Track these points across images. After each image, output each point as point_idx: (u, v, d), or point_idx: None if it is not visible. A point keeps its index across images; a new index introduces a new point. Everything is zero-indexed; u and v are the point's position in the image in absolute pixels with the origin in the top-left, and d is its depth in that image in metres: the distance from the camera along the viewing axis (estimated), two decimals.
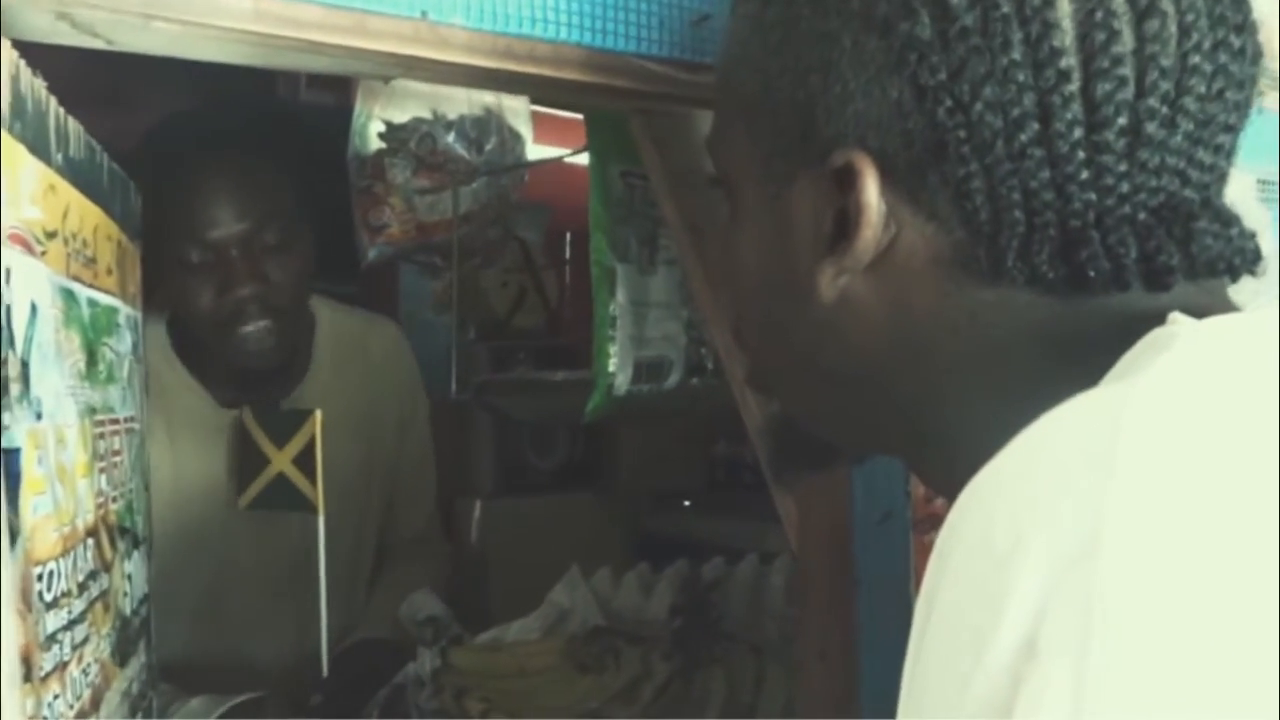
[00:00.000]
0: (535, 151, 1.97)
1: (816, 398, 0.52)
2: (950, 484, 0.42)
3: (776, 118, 0.49)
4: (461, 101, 1.78)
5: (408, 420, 1.48)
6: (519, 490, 2.44)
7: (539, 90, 0.84)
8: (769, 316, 0.52)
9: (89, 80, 0.83)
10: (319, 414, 1.16)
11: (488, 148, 1.80)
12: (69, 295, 0.66)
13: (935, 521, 0.76)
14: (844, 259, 0.46)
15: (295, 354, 1.34)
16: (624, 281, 0.93)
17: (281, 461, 1.19)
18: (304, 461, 1.17)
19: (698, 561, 1.32)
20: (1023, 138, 0.42)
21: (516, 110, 1.84)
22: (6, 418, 0.52)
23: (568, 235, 2.75)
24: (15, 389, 0.54)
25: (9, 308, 0.53)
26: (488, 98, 1.80)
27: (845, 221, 0.46)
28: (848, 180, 0.45)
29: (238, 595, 1.29)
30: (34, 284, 0.58)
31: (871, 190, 0.45)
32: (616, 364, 0.93)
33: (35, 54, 0.58)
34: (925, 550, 0.75)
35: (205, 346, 1.25)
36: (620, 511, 2.62)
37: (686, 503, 2.66)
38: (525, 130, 1.86)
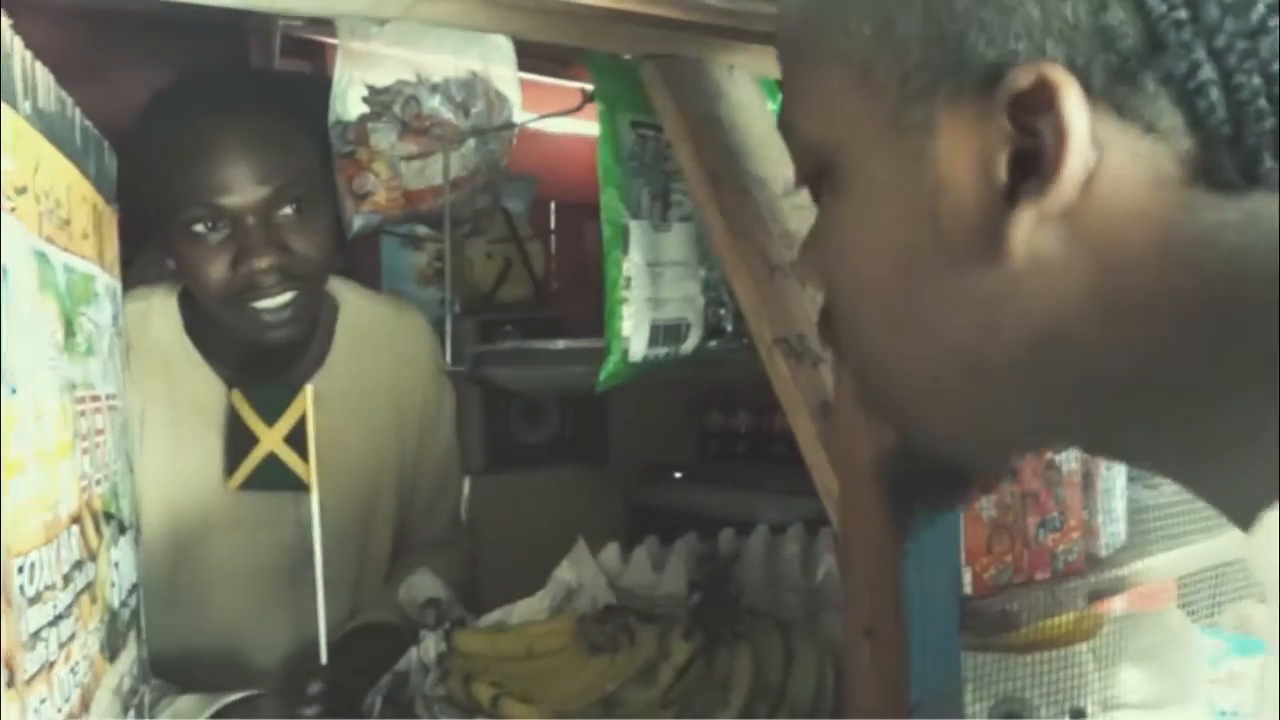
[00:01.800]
0: (523, 118, 1.91)
1: (969, 406, 0.43)
2: (1212, 473, 0.36)
3: (905, 57, 0.40)
4: (446, 64, 1.71)
5: (432, 416, 1.39)
6: (508, 465, 2.40)
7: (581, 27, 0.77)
8: (909, 306, 0.42)
9: (64, 52, 0.77)
10: (310, 389, 1.10)
11: (474, 111, 1.73)
12: (43, 259, 0.60)
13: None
14: (1044, 202, 0.37)
15: (315, 336, 1.27)
16: (637, 239, 0.88)
17: (272, 440, 1.13)
18: (295, 439, 1.12)
19: (705, 534, 1.27)
20: (1259, 7, 0.35)
21: (503, 74, 1.77)
22: None
23: (552, 206, 2.70)
24: None
25: None
26: (473, 61, 1.73)
27: (1027, 160, 0.38)
28: (1036, 103, 0.37)
29: (240, 584, 1.22)
30: (4, 243, 0.52)
31: (1075, 106, 0.37)
32: (631, 327, 0.87)
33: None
34: (974, 519, 0.70)
35: (219, 324, 1.17)
36: (611, 484, 2.58)
37: (678, 474, 2.62)
38: (513, 94, 1.79)
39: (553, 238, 2.71)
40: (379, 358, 1.32)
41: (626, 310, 0.87)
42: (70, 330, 0.66)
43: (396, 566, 1.37)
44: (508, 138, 1.80)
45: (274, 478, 1.13)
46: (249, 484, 1.15)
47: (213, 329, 1.20)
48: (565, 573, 1.21)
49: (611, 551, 1.25)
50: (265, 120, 1.12)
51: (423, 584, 1.21)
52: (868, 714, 0.68)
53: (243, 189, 1.09)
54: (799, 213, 0.89)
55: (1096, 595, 0.75)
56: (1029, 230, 0.38)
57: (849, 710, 0.70)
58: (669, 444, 2.61)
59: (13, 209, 0.55)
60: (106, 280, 0.80)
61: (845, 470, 0.69)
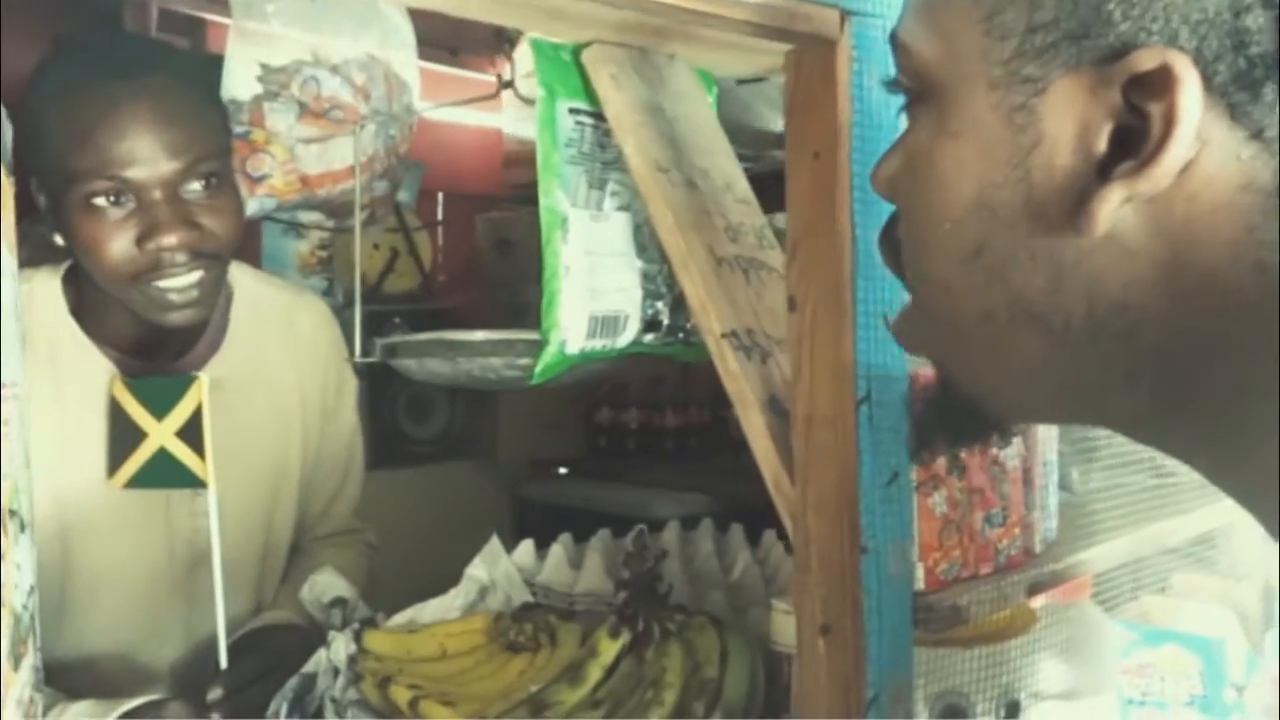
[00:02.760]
0: (427, 105, 1.85)
1: (1015, 356, 0.44)
2: (1251, 475, 0.36)
3: (1037, 10, 0.41)
4: (345, 46, 1.66)
5: (334, 403, 1.34)
6: (396, 461, 2.35)
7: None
8: (979, 249, 0.43)
9: None
10: (204, 378, 1.03)
11: (375, 95, 1.68)
12: None
13: (936, 483, 0.71)
14: (1136, 184, 0.38)
15: (209, 321, 1.19)
16: (576, 228, 0.85)
17: (162, 434, 1.06)
18: (188, 433, 1.05)
19: (590, 530, 1.25)
20: None
21: (403, 59, 1.72)
22: None
23: (440, 195, 2.64)
24: None
25: None
26: (372, 45, 1.68)
27: (1128, 138, 0.39)
28: (1153, 88, 0.38)
29: (131, 585, 1.14)
30: None
31: (1192, 99, 0.37)
32: (569, 318, 0.85)
33: None
34: (927, 514, 0.71)
35: (110, 306, 1.09)
36: (499, 479, 2.55)
37: (563, 470, 2.60)
38: (412, 80, 1.75)
39: (440, 229, 2.66)
40: (277, 343, 1.26)
41: (563, 300, 0.85)
42: None
43: (296, 562, 1.31)
44: (408, 124, 1.75)
45: (165, 474, 1.07)
46: (137, 481, 1.08)
47: (102, 311, 1.12)
48: (478, 570, 1.18)
49: (526, 549, 1.22)
50: (172, 91, 1.05)
51: (328, 583, 1.16)
52: (822, 711, 0.67)
53: (151, 161, 1.02)
54: (741, 207, 0.88)
55: (1035, 588, 0.76)
56: (1114, 207, 0.39)
57: (801, 708, 0.69)
58: (559, 439, 2.59)
59: None
60: (8, 259, 0.73)
61: (804, 465, 0.68)
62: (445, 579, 1.20)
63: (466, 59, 2.33)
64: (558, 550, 1.19)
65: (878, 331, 0.66)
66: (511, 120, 2.56)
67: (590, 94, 0.87)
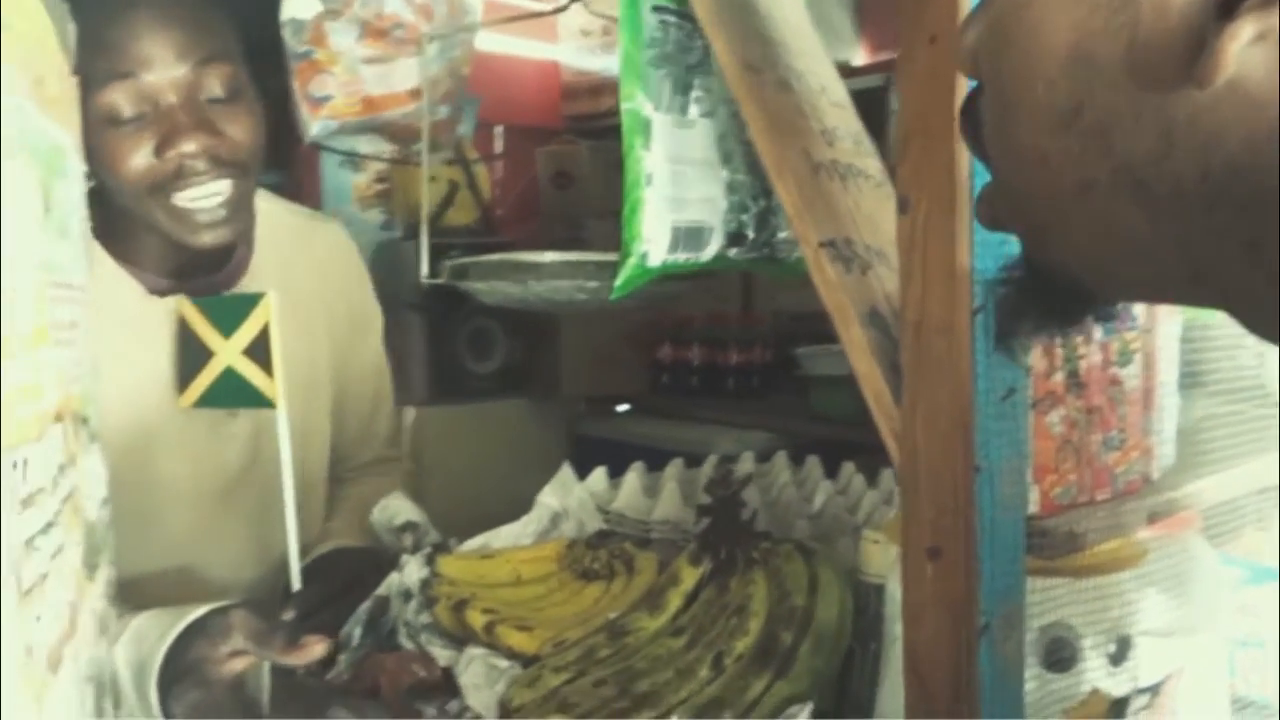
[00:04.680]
0: (482, 36, 1.81)
1: (1119, 228, 0.39)
2: None
3: None
4: None
5: (358, 328, 1.31)
6: (455, 396, 2.33)
7: None
8: (1078, 110, 0.38)
9: None
10: (271, 297, 1.00)
11: (437, 14, 1.64)
12: (21, 111, 0.51)
13: (1054, 401, 0.67)
14: (1269, 15, 0.33)
15: (235, 244, 1.16)
16: (660, 133, 0.81)
17: (230, 354, 1.04)
18: (256, 352, 1.03)
19: (655, 467, 1.22)
20: None
21: None
22: None
23: (499, 128, 2.60)
24: None
25: None
26: None
27: None
28: None
29: (178, 506, 1.12)
30: None
31: None
32: (652, 229, 0.81)
33: None
34: (1043, 434, 0.66)
35: (137, 228, 1.06)
36: (559, 416, 2.53)
37: (625, 407, 2.57)
38: (474, 1, 1.70)
39: (499, 162, 2.62)
40: (299, 266, 1.23)
41: (647, 210, 0.80)
42: (48, 204, 0.58)
43: (337, 494, 1.30)
44: (469, 47, 1.71)
45: (233, 393, 1.04)
46: (205, 400, 1.06)
47: (127, 234, 1.08)
48: (550, 498, 1.15)
49: (599, 477, 1.19)
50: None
51: (398, 507, 1.14)
52: (930, 639, 0.64)
53: (165, 64, 0.98)
54: (837, 111, 0.83)
55: (1153, 518, 0.72)
56: (1243, 46, 0.33)
57: (907, 634, 0.65)
58: (620, 376, 2.56)
59: None
60: (74, 159, 0.70)
61: (914, 377, 0.64)
62: (505, 514, 1.17)
63: None
64: (632, 478, 1.16)
65: (995, 234, 0.61)
66: (569, 52, 2.51)
67: None
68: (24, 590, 0.44)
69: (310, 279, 1.24)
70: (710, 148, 0.85)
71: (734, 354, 2.46)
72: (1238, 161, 0.35)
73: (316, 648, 0.82)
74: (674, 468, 1.16)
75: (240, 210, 1.06)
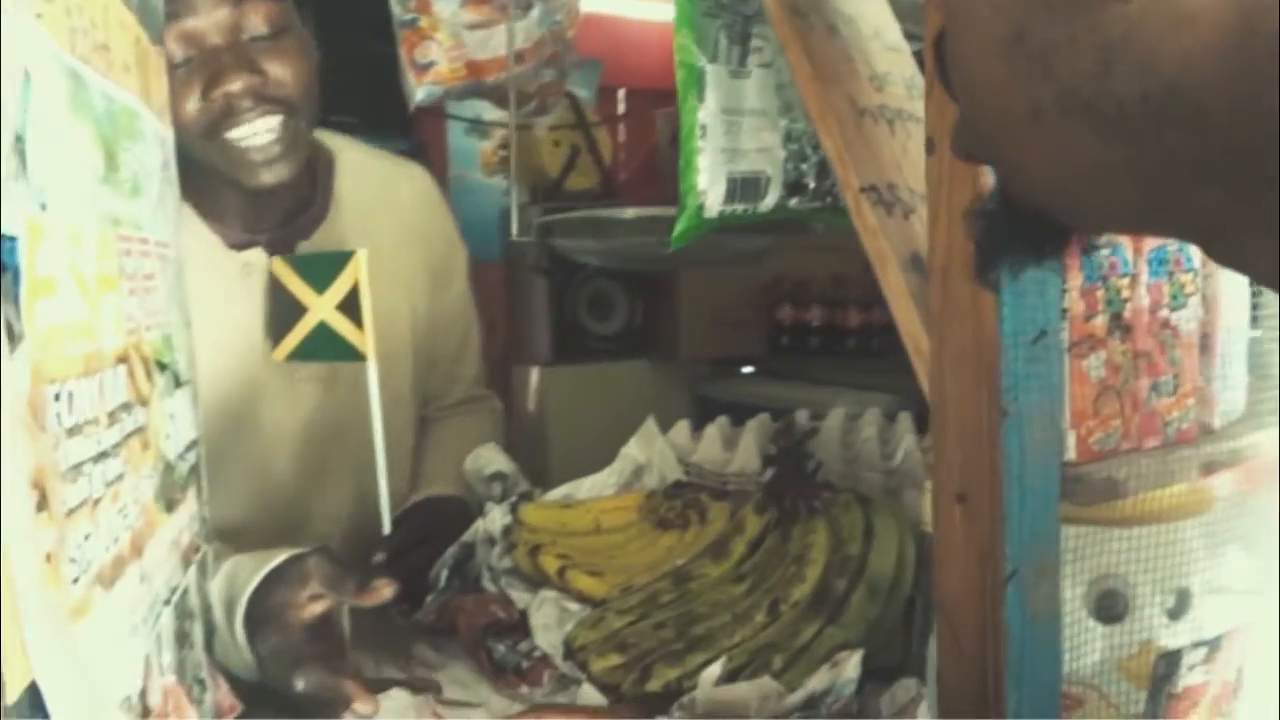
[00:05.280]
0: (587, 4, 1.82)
1: (1073, 153, 0.38)
2: None
3: None
4: None
5: (442, 274, 1.33)
6: (576, 357, 2.37)
7: None
8: (1020, 35, 0.38)
9: None
10: (362, 254, 1.05)
11: None
12: (76, 78, 0.56)
13: (1092, 344, 0.65)
14: None
15: (315, 192, 1.21)
16: (714, 84, 0.81)
17: (323, 308, 1.09)
18: (348, 307, 1.08)
19: (788, 415, 1.22)
20: None
21: None
22: None
23: (620, 92, 2.61)
24: (9, 163, 0.44)
25: None
26: None
27: None
28: None
29: (280, 455, 1.19)
30: (27, 47, 0.48)
31: None
32: (706, 180, 0.82)
33: None
34: (1081, 378, 0.64)
35: (210, 179, 1.09)
36: (680, 378, 2.55)
37: (748, 369, 2.57)
38: None
39: (621, 126, 2.64)
40: (382, 213, 1.26)
41: (701, 161, 0.81)
42: (113, 163, 0.63)
43: (428, 433, 1.34)
44: (573, 10, 1.73)
45: (325, 347, 1.09)
46: (298, 354, 1.11)
47: (204, 186, 1.11)
48: (633, 449, 1.18)
49: (681, 429, 1.21)
50: None
51: (489, 457, 1.19)
52: (959, 584, 0.63)
53: (206, 6, 1.01)
54: (891, 55, 0.81)
55: (1210, 467, 0.69)
56: None
57: (937, 580, 0.65)
58: (740, 338, 2.55)
59: (39, 15, 0.51)
60: (154, 124, 0.76)
61: (941, 320, 0.63)
62: None
63: None
64: (712, 431, 1.17)
65: None
66: None
67: None
68: (68, 509, 0.48)
69: (393, 225, 1.27)
70: (769, 97, 0.85)
71: (854, 315, 2.43)
72: (1174, 80, 0.34)
73: (385, 590, 0.86)
74: (756, 422, 1.17)
75: (295, 147, 1.09)
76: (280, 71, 1.05)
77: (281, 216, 1.17)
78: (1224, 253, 0.38)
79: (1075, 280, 0.63)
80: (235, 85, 1.02)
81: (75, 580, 0.49)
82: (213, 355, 1.12)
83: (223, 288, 1.13)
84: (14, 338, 0.43)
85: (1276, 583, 0.71)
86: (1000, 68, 0.39)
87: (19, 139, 0.46)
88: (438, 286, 1.32)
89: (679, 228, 0.83)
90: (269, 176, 1.08)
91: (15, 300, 0.44)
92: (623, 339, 2.47)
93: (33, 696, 0.43)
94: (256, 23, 1.04)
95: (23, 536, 0.40)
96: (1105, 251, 0.64)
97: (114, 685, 0.55)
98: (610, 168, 2.54)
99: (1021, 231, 0.45)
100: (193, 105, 1.03)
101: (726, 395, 2.47)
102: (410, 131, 2.25)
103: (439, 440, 1.31)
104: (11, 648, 0.40)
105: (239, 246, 1.15)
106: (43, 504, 0.44)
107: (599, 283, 2.43)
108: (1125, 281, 0.65)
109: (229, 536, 1.03)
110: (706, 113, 0.81)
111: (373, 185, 1.26)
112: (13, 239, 0.44)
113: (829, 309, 2.42)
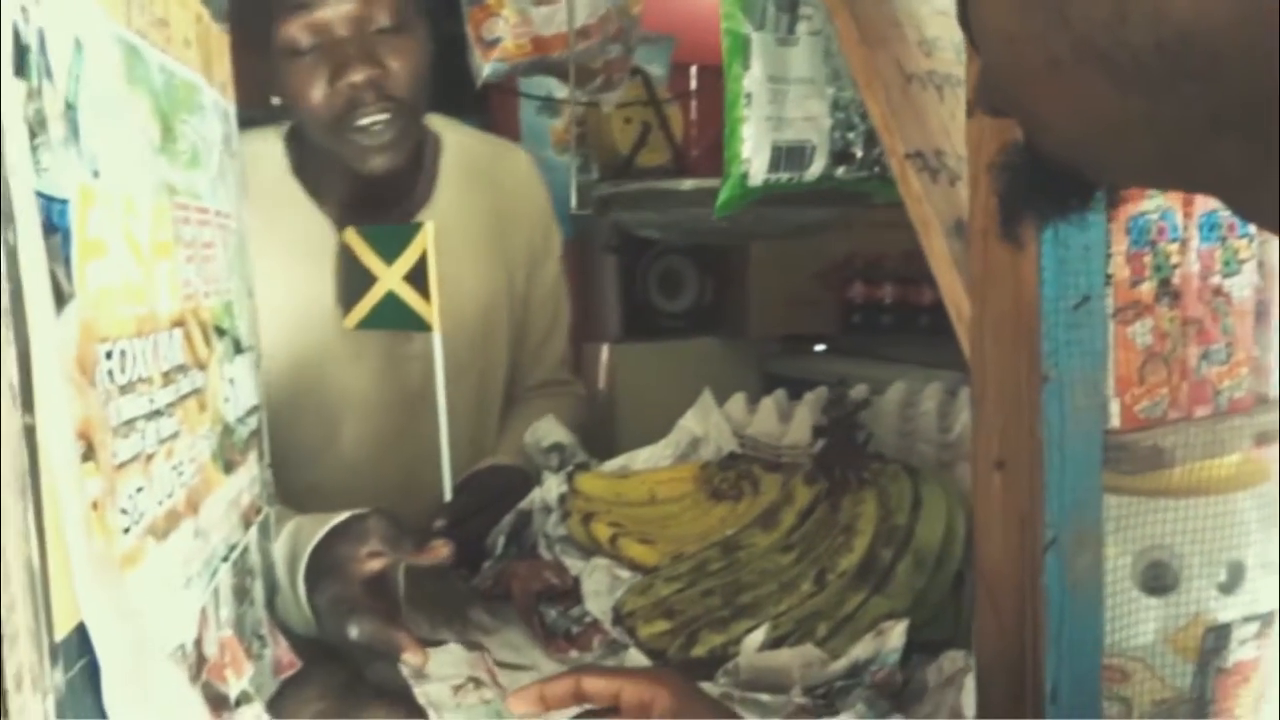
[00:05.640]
0: None
1: (1091, 104, 0.38)
2: None
3: None
4: None
5: (539, 253, 1.38)
6: (646, 334, 2.38)
7: None
8: None
9: None
10: (429, 226, 1.07)
11: None
12: (131, 50, 0.58)
13: (1139, 309, 0.64)
14: None
15: (420, 173, 1.25)
16: (760, 52, 0.81)
17: (391, 279, 1.12)
18: (416, 278, 1.10)
19: (840, 387, 1.22)
20: None
21: None
22: (46, 158, 0.44)
23: (693, 68, 2.60)
24: (57, 129, 0.46)
25: (41, 31, 0.45)
26: None
27: None
28: None
29: (356, 422, 1.23)
30: (78, 18, 0.50)
31: None
32: (751, 148, 0.82)
33: None
34: (1126, 345, 0.63)
35: (327, 162, 1.16)
36: (749, 355, 2.54)
37: (820, 347, 2.55)
38: None
39: (693, 102, 2.63)
40: (484, 194, 1.29)
41: (746, 130, 0.81)
42: (170, 135, 0.65)
43: (511, 413, 1.37)
44: None
45: (394, 316, 1.12)
46: (367, 323, 1.14)
47: (319, 169, 1.18)
48: (690, 421, 1.19)
49: (738, 401, 1.21)
50: None
51: (547, 429, 1.20)
52: (998, 552, 0.63)
53: (333, 0, 1.05)
54: (940, 19, 0.80)
55: (1265, 438, 0.67)
56: None
57: (977, 548, 0.65)
58: (811, 315, 2.54)
59: None
60: (215, 98, 0.78)
61: (981, 284, 0.62)
62: None
63: None
64: (768, 404, 1.17)
65: None
66: None
67: None
68: (119, 462, 0.51)
69: (493, 206, 1.31)
70: (816, 65, 0.85)
71: (928, 292, 2.40)
72: (1187, 27, 0.33)
73: (442, 550, 0.88)
74: (813, 395, 1.16)
75: (405, 138, 1.13)
76: (399, 65, 1.09)
77: (389, 198, 1.21)
78: (1246, 206, 0.38)
79: (1121, 245, 0.62)
80: (359, 77, 1.07)
81: (126, 530, 0.51)
82: (304, 327, 1.16)
83: (325, 265, 1.18)
84: (62, 297, 0.45)
85: None
86: (1018, 18, 0.38)
87: (70, 106, 0.48)
88: (534, 267, 1.36)
89: (722, 196, 0.84)
90: (382, 163, 1.12)
91: (66, 261, 0.46)
92: (692, 316, 2.48)
93: (80, 636, 0.45)
94: (381, 15, 1.08)
95: (69, 484, 0.43)
96: (1153, 215, 0.63)
97: (166, 633, 0.57)
98: (682, 144, 2.54)
99: (1044, 185, 0.44)
100: (319, 93, 1.08)
101: (796, 372, 2.46)
102: (481, 110, 2.28)
103: (518, 416, 1.34)
104: (60, 588, 0.43)
105: (346, 226, 1.19)
106: (89, 454, 0.46)
107: (669, 260, 2.43)
108: (1174, 247, 0.63)
109: (304, 499, 1.06)
110: (751, 80, 0.81)
111: (476, 167, 1.30)
112: (64, 202, 0.46)
113: (902, 286, 2.39)
